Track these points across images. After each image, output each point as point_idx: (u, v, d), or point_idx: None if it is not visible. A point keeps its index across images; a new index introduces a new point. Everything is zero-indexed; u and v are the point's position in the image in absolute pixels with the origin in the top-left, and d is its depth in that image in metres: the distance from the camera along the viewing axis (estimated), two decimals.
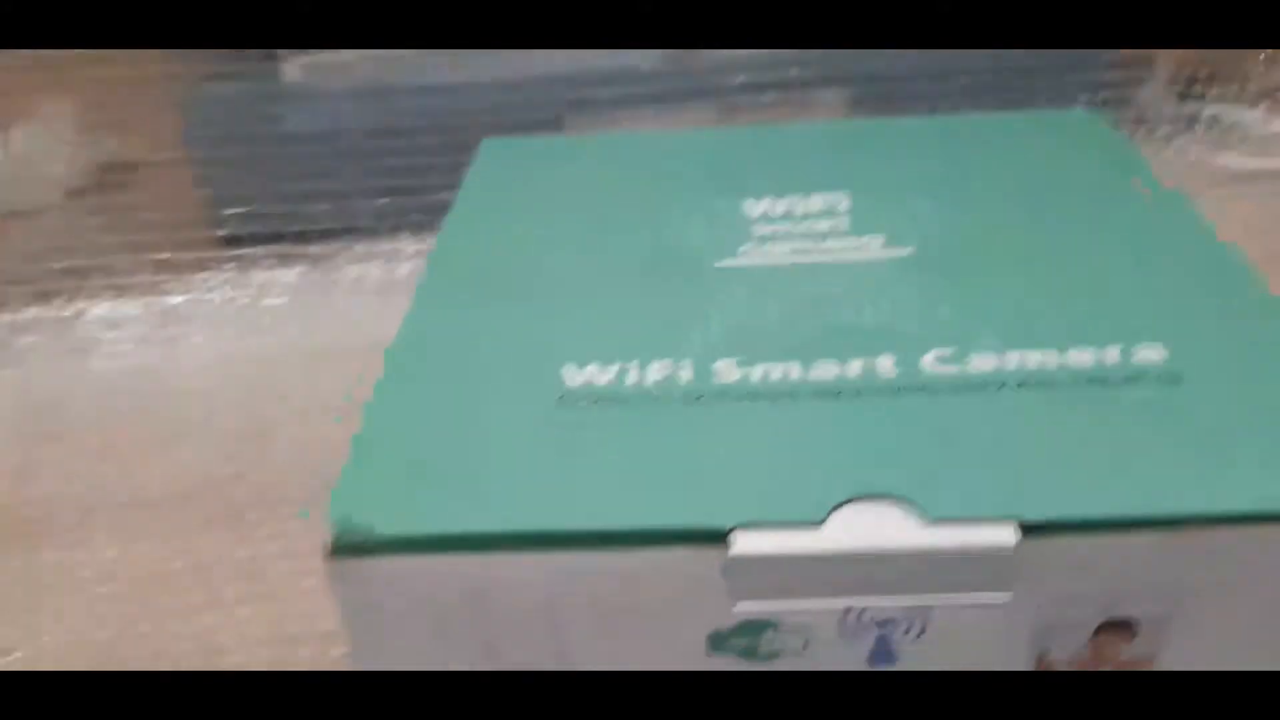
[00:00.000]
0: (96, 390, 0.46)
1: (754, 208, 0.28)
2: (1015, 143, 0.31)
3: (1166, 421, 0.19)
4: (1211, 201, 0.52)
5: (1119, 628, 0.18)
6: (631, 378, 0.21)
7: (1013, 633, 0.18)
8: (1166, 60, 0.58)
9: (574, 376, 0.21)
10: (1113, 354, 0.21)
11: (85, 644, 0.33)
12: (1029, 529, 0.17)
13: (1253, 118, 0.55)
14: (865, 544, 0.17)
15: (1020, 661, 0.19)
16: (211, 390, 0.45)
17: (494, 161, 0.32)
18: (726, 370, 0.21)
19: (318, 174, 0.51)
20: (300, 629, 0.33)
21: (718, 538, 0.18)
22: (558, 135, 0.36)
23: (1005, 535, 0.17)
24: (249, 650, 0.32)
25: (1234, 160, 0.53)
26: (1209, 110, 0.56)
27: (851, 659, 0.19)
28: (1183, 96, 0.57)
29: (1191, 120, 0.56)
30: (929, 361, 0.21)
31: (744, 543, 0.18)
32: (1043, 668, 0.19)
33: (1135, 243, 0.25)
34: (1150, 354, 0.21)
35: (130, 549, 0.37)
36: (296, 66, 0.56)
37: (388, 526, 0.18)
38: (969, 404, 0.20)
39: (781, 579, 0.18)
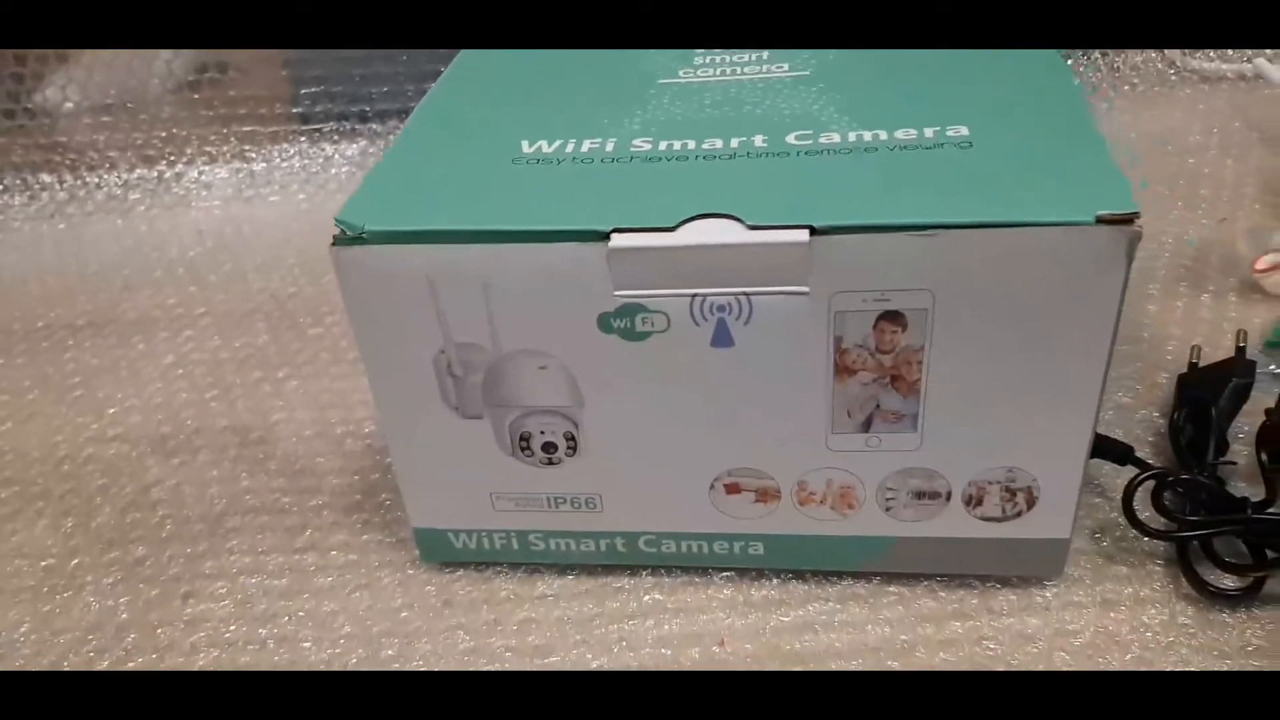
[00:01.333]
0: (190, 234, 0.55)
1: (700, 58, 0.34)
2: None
3: (942, 169, 0.25)
4: (1184, 97, 0.57)
5: (893, 318, 0.25)
6: (569, 149, 0.28)
7: (814, 319, 0.25)
8: None
9: (527, 148, 0.28)
10: (930, 132, 0.27)
11: (167, 406, 0.42)
12: (818, 231, 0.24)
13: None
14: (700, 240, 0.24)
15: (822, 347, 0.25)
16: (280, 241, 0.53)
17: (471, 61, 0.38)
18: (641, 144, 0.28)
19: (380, 59, 0.59)
20: (333, 399, 0.41)
21: (602, 236, 0.24)
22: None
23: (800, 235, 0.24)
24: (293, 412, 0.40)
25: (1195, 61, 0.57)
26: None
27: (700, 340, 0.25)
28: None
29: None
30: (790, 138, 0.27)
31: (618, 240, 0.24)
32: (841, 360, 0.25)
33: (988, 68, 0.30)
34: (957, 132, 0.26)
35: (204, 344, 0.45)
36: None
37: (370, 224, 0.25)
38: (807, 162, 0.26)
39: (648, 270, 0.25)
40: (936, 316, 0.25)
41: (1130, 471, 0.30)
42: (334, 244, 0.26)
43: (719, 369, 0.26)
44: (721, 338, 0.26)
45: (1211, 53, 0.57)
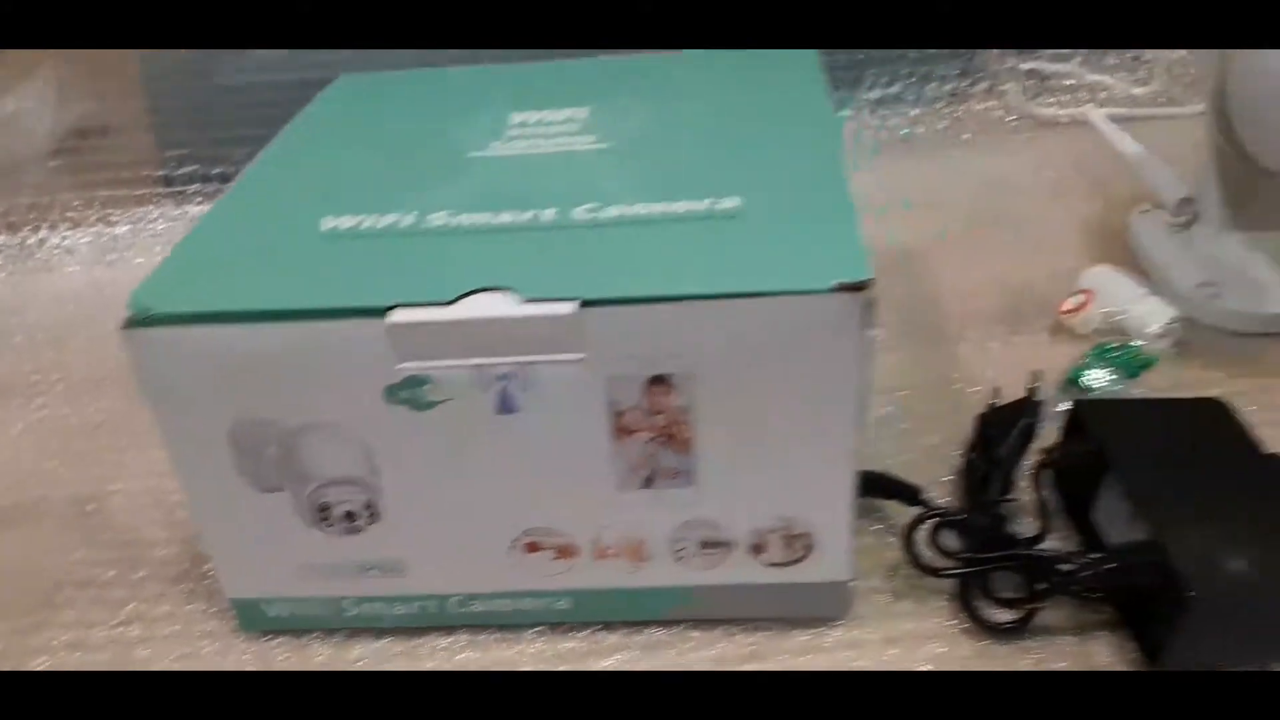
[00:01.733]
0: (51, 299, 0.55)
1: (518, 117, 0.36)
2: (732, 70, 0.38)
3: (708, 241, 0.27)
4: (1018, 141, 0.60)
5: (662, 381, 0.26)
6: (368, 224, 0.29)
7: (590, 385, 0.26)
8: None
9: (329, 223, 0.29)
10: (704, 204, 0.28)
11: (12, 475, 0.41)
12: (587, 303, 0.25)
13: (1068, 70, 0.62)
14: (476, 314, 0.25)
15: (604, 412, 0.26)
16: None
17: (338, 91, 0.41)
18: (438, 219, 0.29)
19: (244, 123, 0.59)
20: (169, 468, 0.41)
21: (383, 312, 0.26)
22: (408, 70, 0.44)
23: (569, 308, 0.25)
24: (131, 482, 0.40)
25: (1045, 109, 0.60)
26: (1031, 64, 0.63)
27: (485, 407, 0.27)
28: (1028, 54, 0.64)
29: (1028, 74, 0.63)
30: (578, 212, 0.29)
31: (398, 315, 0.26)
32: (620, 422, 0.27)
33: (769, 138, 0.32)
34: (730, 203, 0.28)
35: (56, 410, 0.45)
36: None
37: (161, 306, 0.26)
38: (589, 235, 0.28)
39: (428, 343, 0.26)
40: (699, 380, 0.26)
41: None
42: (124, 326, 0.26)
43: (506, 434, 0.27)
44: (506, 404, 0.27)
45: (1052, 99, 0.61)
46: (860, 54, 0.61)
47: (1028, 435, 0.35)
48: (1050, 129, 0.59)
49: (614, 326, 0.25)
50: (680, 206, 0.29)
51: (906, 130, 0.60)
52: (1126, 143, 0.50)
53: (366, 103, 0.39)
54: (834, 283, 0.25)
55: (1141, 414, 0.33)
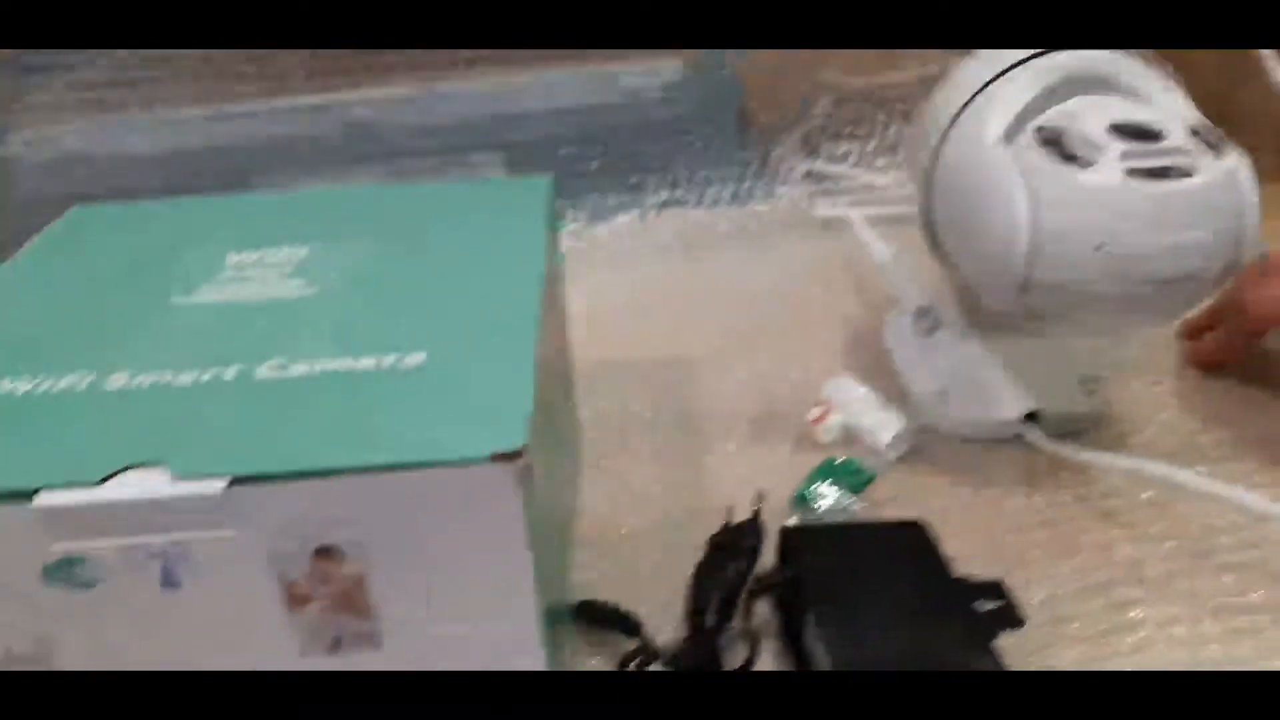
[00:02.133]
0: None
1: (235, 257, 0.35)
2: (460, 203, 0.39)
3: (381, 403, 0.27)
4: (793, 241, 0.63)
5: (330, 552, 0.26)
6: (41, 388, 0.28)
7: (253, 560, 0.26)
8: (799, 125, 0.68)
9: (2, 386, 0.28)
10: (390, 360, 0.29)
11: None
12: (239, 480, 0.25)
13: (842, 171, 0.66)
14: (125, 495, 0.25)
15: (272, 584, 0.26)
16: None
17: (66, 225, 0.39)
18: (116, 380, 0.28)
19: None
20: None
21: (28, 495, 0.25)
22: (143, 201, 0.44)
23: (217, 485, 0.25)
24: None
25: (821, 208, 0.64)
26: (818, 167, 0.67)
27: (149, 584, 0.26)
28: (809, 153, 0.68)
29: (806, 175, 0.66)
30: (262, 369, 0.29)
31: (45, 498, 0.25)
32: (292, 591, 0.26)
33: (473, 285, 0.33)
34: (414, 359, 0.29)
35: None
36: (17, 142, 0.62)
37: None
38: (265, 398, 0.27)
39: (78, 524, 0.25)
40: (369, 547, 0.26)
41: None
42: None
43: (176, 610, 0.26)
44: (168, 580, 0.26)
45: (827, 200, 0.64)
46: (643, 160, 0.63)
47: (751, 559, 0.36)
48: (826, 229, 0.63)
49: (266, 502, 0.25)
50: (366, 362, 0.29)
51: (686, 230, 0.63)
52: (878, 247, 0.54)
53: (91, 238, 0.38)
54: (489, 452, 0.25)
55: (842, 540, 0.34)
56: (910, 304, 0.49)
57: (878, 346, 0.51)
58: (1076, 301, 0.34)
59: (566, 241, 0.62)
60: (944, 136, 0.39)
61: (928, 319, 0.48)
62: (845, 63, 0.68)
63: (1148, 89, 0.37)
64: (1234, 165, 0.34)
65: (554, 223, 0.40)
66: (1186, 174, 0.33)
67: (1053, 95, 0.36)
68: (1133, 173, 0.33)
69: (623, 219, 0.63)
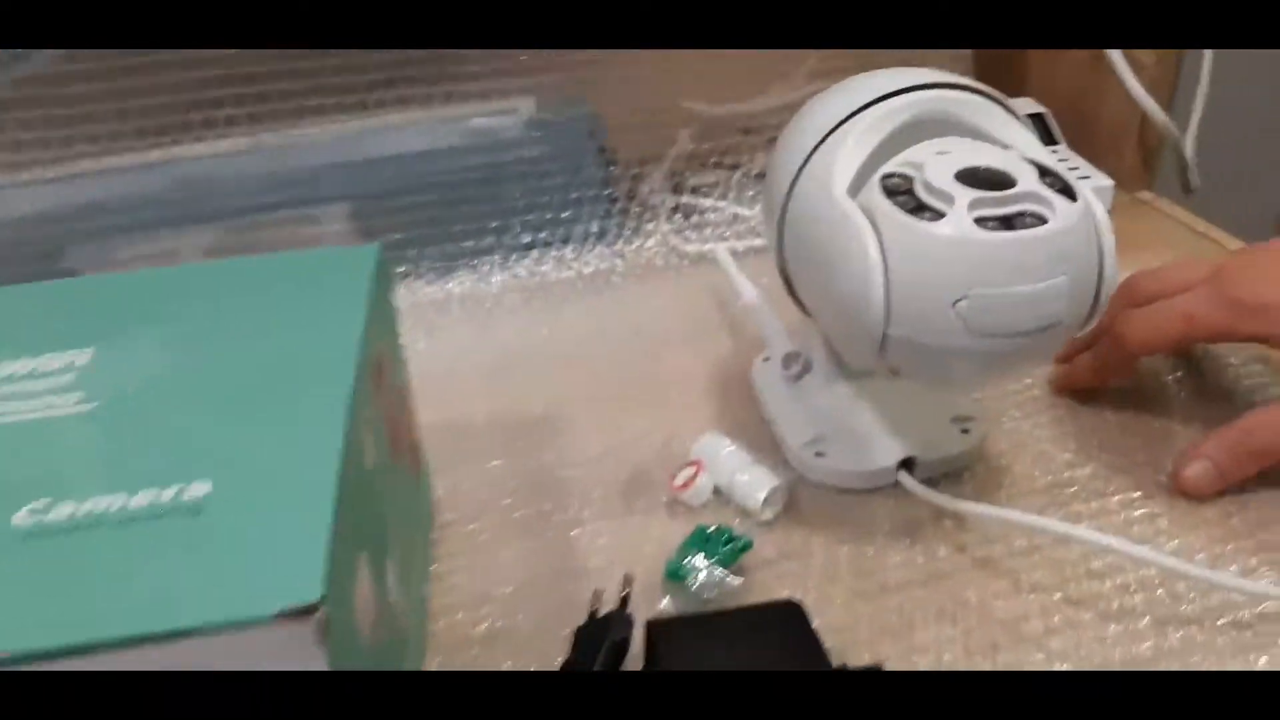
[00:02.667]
0: None
1: (7, 367, 0.31)
2: (272, 285, 0.35)
3: (151, 552, 0.23)
4: (663, 281, 0.61)
5: None
6: None
7: None
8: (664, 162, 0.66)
9: None
10: (169, 494, 0.25)
11: None
12: None
13: (711, 204, 0.64)
14: None
15: None
16: None
17: None
18: None
19: None
20: None
21: None
22: None
23: None
24: None
25: (690, 245, 0.61)
26: (686, 200, 0.65)
27: None
28: (676, 187, 0.66)
29: (674, 210, 0.64)
30: (19, 515, 0.24)
31: None
32: None
33: (273, 389, 0.29)
34: (197, 491, 0.25)
35: None
36: None
37: None
38: (16, 555, 0.23)
39: None
40: None
41: None
42: None
43: None
44: None
45: (695, 236, 0.62)
46: (502, 203, 0.60)
47: (619, 653, 0.33)
48: (696, 267, 0.60)
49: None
50: (142, 499, 0.25)
51: (552, 274, 0.60)
52: (745, 288, 0.52)
53: None
54: (277, 609, 0.22)
55: (712, 631, 0.32)
56: (778, 347, 0.47)
57: (750, 394, 0.49)
58: (937, 358, 0.33)
59: (418, 294, 0.58)
60: (791, 186, 0.37)
61: (796, 363, 0.46)
62: (709, 90, 0.66)
63: (994, 129, 0.36)
64: (1086, 206, 0.32)
65: (385, 294, 0.37)
66: (1040, 220, 0.31)
67: (898, 140, 0.35)
68: (983, 222, 0.31)
69: (482, 267, 0.59)
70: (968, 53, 0.66)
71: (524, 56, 0.59)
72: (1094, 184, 0.62)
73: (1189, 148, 0.64)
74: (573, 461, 0.45)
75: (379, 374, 0.34)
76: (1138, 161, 0.64)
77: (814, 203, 0.36)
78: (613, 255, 0.61)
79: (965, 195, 0.31)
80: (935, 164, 0.33)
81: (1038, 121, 0.67)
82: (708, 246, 0.61)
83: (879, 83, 0.37)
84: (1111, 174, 0.62)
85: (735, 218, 0.63)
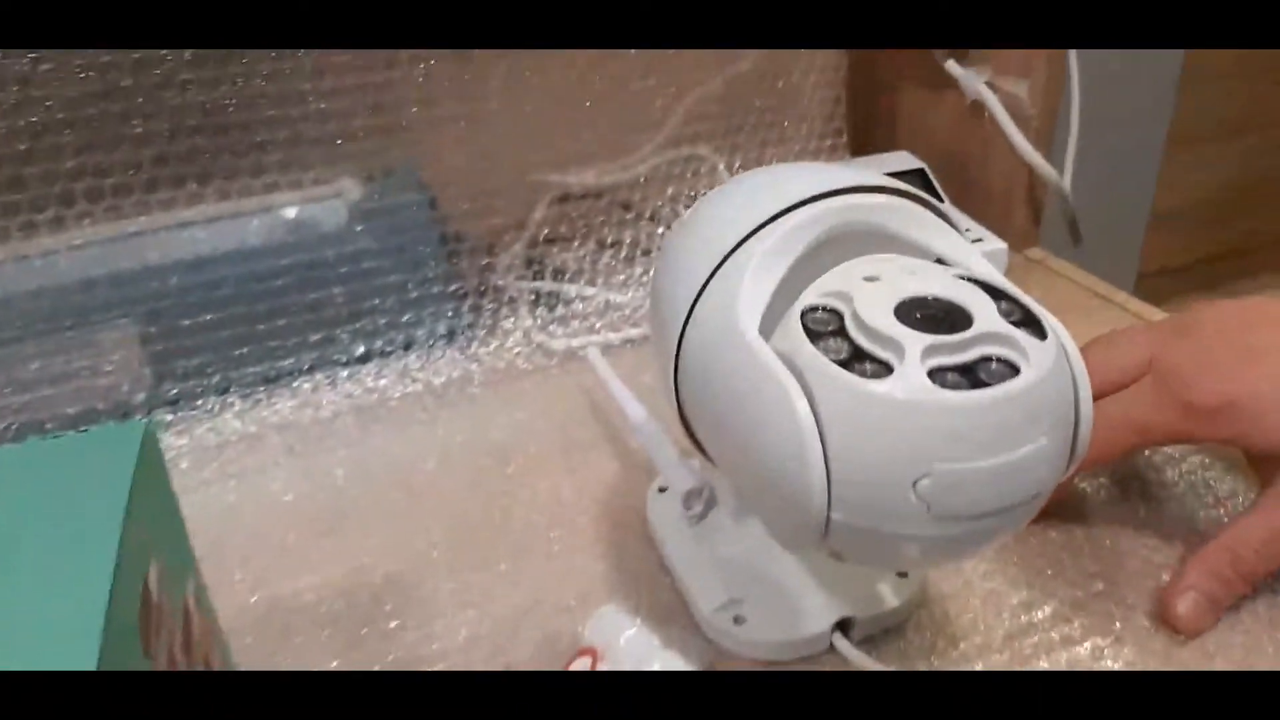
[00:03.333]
0: None
1: None
2: (43, 472, 0.26)
3: None
4: (528, 389, 0.53)
5: None
6: None
7: None
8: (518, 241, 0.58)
9: None
10: None
11: None
12: None
13: (579, 291, 0.56)
14: None
15: None
16: None
17: None
18: None
19: None
20: None
21: None
22: None
23: None
24: None
25: (557, 340, 0.53)
26: (548, 287, 0.56)
27: None
28: (535, 272, 0.57)
29: (537, 296, 0.56)
30: None
31: None
32: None
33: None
34: None
35: None
36: None
37: None
38: None
39: None
40: None
41: None
42: None
43: None
44: None
45: (563, 330, 0.54)
46: (326, 308, 0.50)
47: None
48: (566, 369, 0.52)
49: None
50: None
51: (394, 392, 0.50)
52: (630, 406, 0.44)
53: None
54: None
55: None
56: (676, 481, 0.39)
57: (645, 532, 0.41)
58: (891, 544, 0.26)
59: (225, 431, 0.48)
60: (686, 319, 0.29)
61: (698, 501, 0.39)
62: (562, 157, 0.58)
63: (926, 238, 0.29)
64: (1058, 343, 0.26)
65: (155, 480, 0.27)
66: (1010, 369, 0.25)
67: (813, 258, 0.28)
68: (940, 375, 0.24)
69: (304, 387, 0.49)
70: (839, 103, 0.61)
71: (339, 129, 0.49)
72: (986, 247, 0.57)
73: (1070, 198, 0.61)
74: (429, 656, 0.36)
75: (146, 591, 0.24)
76: (1027, 218, 0.60)
77: (718, 344, 0.28)
78: (466, 360, 0.52)
79: (915, 341, 0.25)
80: (867, 294, 0.26)
81: (918, 177, 0.63)
82: (578, 342, 0.53)
83: (785, 187, 0.29)
84: (1000, 233, 0.58)
85: (607, 305, 0.56)
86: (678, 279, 0.30)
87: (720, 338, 0.28)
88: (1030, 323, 0.26)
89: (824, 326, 0.26)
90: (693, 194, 0.58)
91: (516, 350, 0.53)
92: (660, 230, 0.58)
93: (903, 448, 0.24)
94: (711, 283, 0.29)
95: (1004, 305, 0.26)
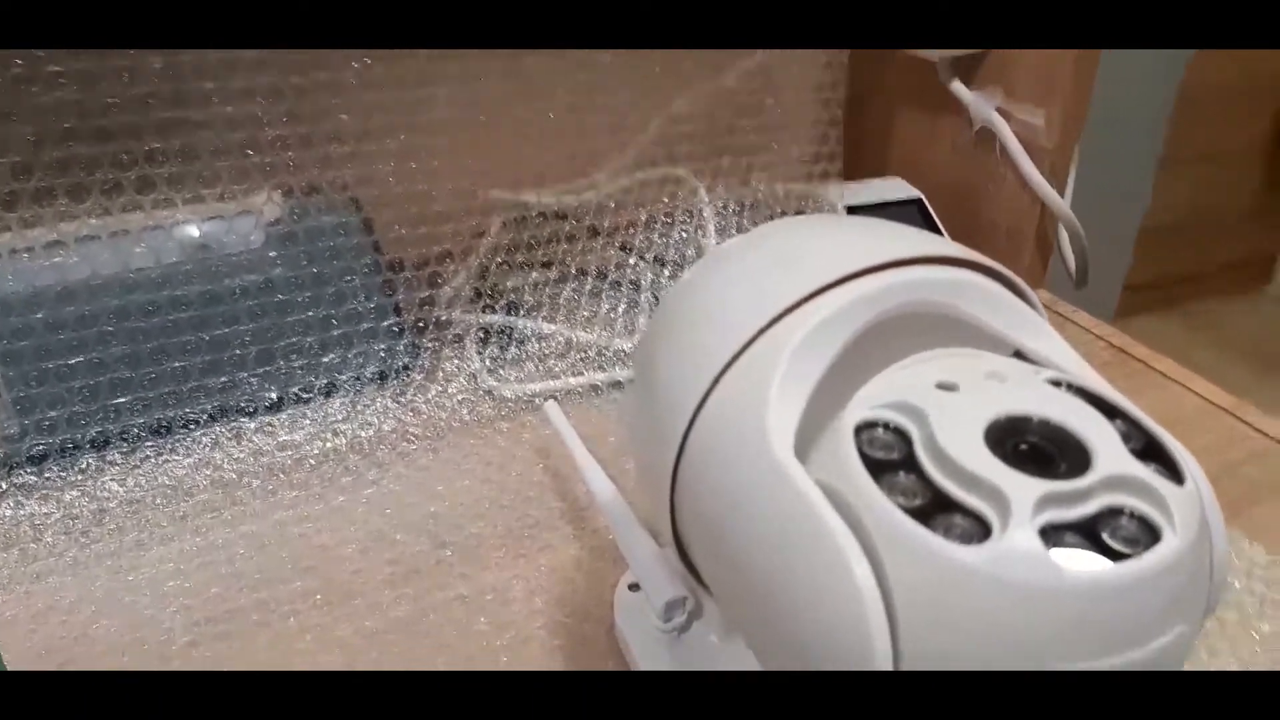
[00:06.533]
0: None
1: None
2: None
3: None
4: (475, 447, 0.45)
5: None
6: None
7: None
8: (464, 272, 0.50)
9: None
10: None
11: None
12: None
13: (536, 327, 0.49)
14: None
15: None
16: None
17: None
18: None
19: None
20: None
21: None
22: None
23: None
24: None
25: (509, 386, 0.46)
26: (499, 321, 0.49)
27: None
28: (486, 308, 0.50)
29: (487, 333, 0.49)
30: None
31: None
32: None
33: None
34: None
35: None
36: None
37: None
38: None
39: None
40: None
41: None
42: None
43: None
44: None
45: (526, 369, 0.46)
46: (234, 348, 0.42)
47: None
48: (518, 415, 0.45)
49: None
50: None
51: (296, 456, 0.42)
52: (597, 483, 0.36)
53: None
54: None
55: None
56: (653, 585, 0.32)
57: (612, 642, 0.34)
58: None
59: (103, 494, 0.39)
60: (692, 418, 0.22)
61: (680, 612, 0.32)
62: (515, 174, 0.50)
63: (1006, 327, 0.22)
64: (1195, 488, 0.20)
65: None
66: (1146, 529, 0.18)
67: (863, 352, 0.21)
68: (1053, 537, 0.18)
69: (201, 441, 0.41)
70: (835, 124, 0.54)
71: (249, 137, 0.41)
72: None
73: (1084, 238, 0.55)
74: None
75: None
76: (1036, 259, 0.54)
77: (737, 461, 0.21)
78: (400, 409, 0.44)
79: (1022, 489, 0.18)
80: (946, 411, 0.19)
81: (914, 208, 0.57)
82: (534, 388, 0.46)
83: (825, 253, 0.22)
84: None
85: (569, 345, 0.48)
86: (681, 361, 0.23)
87: (739, 452, 0.21)
88: (1155, 454, 0.20)
89: (887, 453, 0.19)
90: (669, 219, 0.51)
91: (460, 397, 0.45)
92: (633, 261, 0.51)
93: (1005, 641, 0.17)
94: (728, 375, 0.22)
95: (1120, 426, 0.20)
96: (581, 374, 0.47)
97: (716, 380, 0.22)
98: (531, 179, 0.50)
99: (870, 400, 0.20)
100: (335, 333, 0.44)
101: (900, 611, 0.18)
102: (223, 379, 0.41)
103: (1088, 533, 0.18)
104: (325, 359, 0.43)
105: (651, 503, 0.26)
